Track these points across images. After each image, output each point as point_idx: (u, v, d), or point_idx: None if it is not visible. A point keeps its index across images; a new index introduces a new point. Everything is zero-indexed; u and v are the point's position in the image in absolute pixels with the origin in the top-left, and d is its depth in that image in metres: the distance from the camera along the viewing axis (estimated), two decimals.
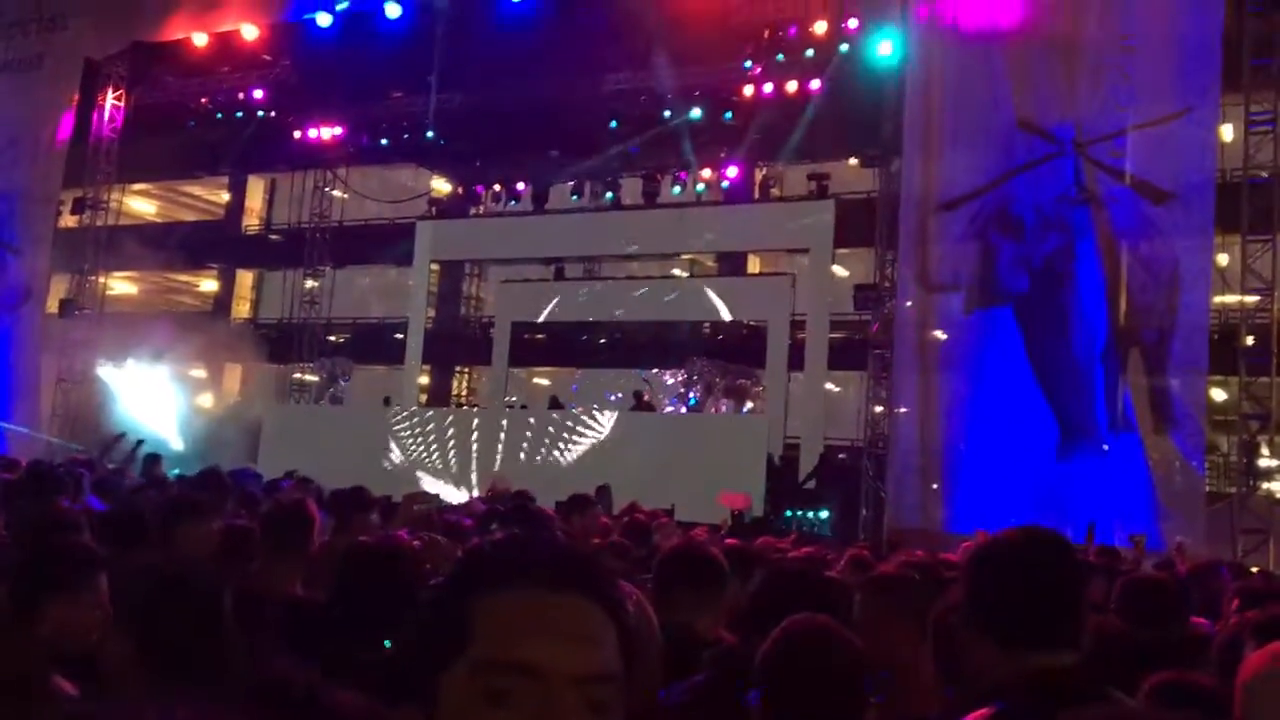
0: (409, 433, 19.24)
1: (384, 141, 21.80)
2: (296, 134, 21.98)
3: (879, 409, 16.46)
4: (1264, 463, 14.40)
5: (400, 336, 23.69)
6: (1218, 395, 15.89)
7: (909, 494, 15.15)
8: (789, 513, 15.98)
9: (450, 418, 19.89)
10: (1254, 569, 10.15)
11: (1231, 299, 15.07)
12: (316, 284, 24.20)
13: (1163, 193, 14.08)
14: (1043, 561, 2.04)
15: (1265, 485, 14.68)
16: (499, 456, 17.31)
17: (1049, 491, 13.50)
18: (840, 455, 18.71)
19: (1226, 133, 15.05)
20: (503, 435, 18.50)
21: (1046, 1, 14.97)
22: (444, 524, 6.00)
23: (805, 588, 3.11)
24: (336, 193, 24.49)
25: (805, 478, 17.57)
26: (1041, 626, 1.98)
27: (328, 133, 21.62)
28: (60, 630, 2.66)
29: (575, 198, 21.68)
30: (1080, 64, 14.55)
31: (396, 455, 19.11)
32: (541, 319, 22.26)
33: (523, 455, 17.07)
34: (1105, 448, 13.88)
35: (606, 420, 18.22)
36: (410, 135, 21.59)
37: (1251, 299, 14.52)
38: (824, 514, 16.01)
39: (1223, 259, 15.11)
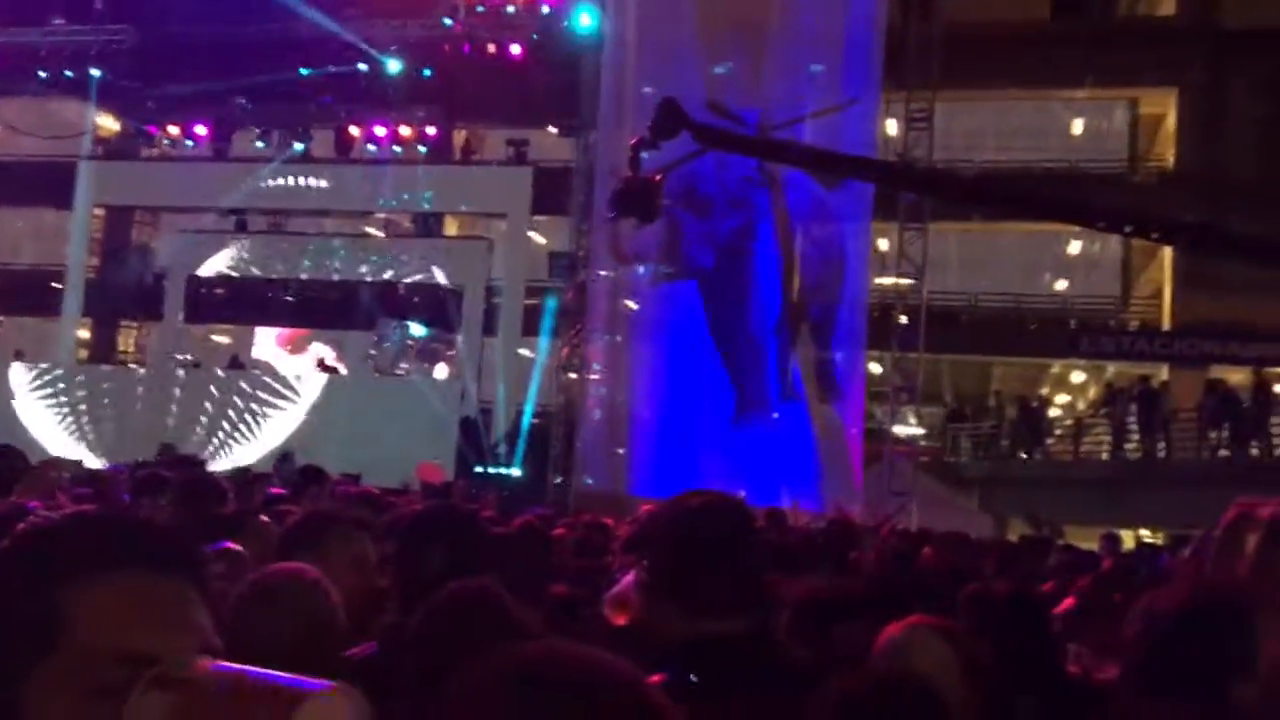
0: (53, 394, 17.60)
1: (42, 74, 19.72)
2: None
3: (572, 375, 16.80)
4: (905, 430, 15.91)
5: (57, 286, 21.60)
6: (875, 369, 17.37)
7: (597, 458, 15.64)
8: (478, 467, 16.01)
9: (108, 379, 18.37)
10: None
11: (888, 281, 16.49)
12: None
13: (832, 178, 15.18)
14: (722, 528, 2.08)
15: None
16: (170, 420, 16.24)
17: (726, 456, 14.34)
18: (535, 420, 18.96)
19: (891, 127, 16.35)
20: (176, 396, 17.37)
21: None
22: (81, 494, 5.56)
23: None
24: None
25: (498, 442, 17.69)
26: (718, 593, 2.01)
27: None
28: None
29: (262, 145, 20.54)
30: (768, 52, 15.38)
31: (37, 418, 17.44)
32: (218, 272, 20.96)
33: (202, 420, 16.11)
34: (775, 415, 14.89)
35: (296, 382, 17.53)
36: (75, 68, 19.65)
37: (905, 281, 15.95)
38: (515, 473, 16.20)
39: (883, 244, 16.51)
